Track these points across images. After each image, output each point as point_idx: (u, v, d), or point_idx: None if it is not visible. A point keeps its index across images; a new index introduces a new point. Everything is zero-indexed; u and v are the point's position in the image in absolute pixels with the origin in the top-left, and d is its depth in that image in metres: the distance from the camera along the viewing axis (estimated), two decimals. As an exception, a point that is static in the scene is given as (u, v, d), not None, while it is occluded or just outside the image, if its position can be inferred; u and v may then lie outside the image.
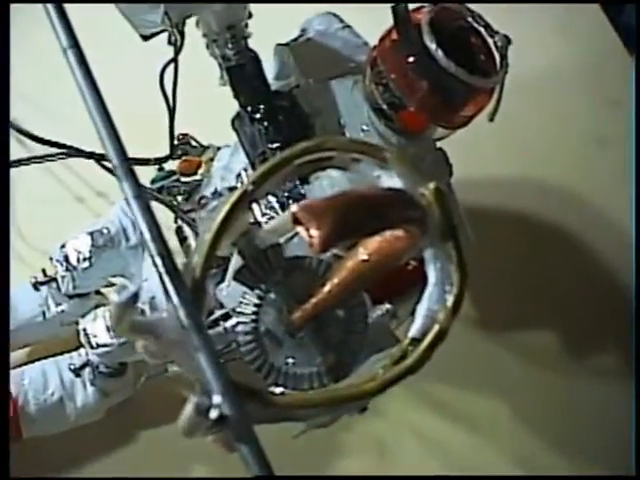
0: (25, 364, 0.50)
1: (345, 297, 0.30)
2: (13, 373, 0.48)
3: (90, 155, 0.52)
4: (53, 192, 0.59)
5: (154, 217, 0.26)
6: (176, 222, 0.51)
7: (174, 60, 0.46)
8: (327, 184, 0.38)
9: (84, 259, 0.47)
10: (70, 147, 0.53)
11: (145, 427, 0.53)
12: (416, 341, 0.26)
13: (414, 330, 0.27)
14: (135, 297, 0.24)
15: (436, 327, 0.26)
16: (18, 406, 0.48)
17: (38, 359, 0.50)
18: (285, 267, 0.33)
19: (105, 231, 0.48)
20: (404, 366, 0.26)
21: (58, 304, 0.51)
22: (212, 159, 0.52)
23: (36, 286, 0.50)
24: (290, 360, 0.33)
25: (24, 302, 0.50)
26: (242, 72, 0.43)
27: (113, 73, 0.55)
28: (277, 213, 0.41)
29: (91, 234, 0.48)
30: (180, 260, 0.47)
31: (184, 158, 0.51)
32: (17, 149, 0.57)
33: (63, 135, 0.53)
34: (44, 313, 0.50)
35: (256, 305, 0.33)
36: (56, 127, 0.56)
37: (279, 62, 0.47)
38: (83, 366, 0.48)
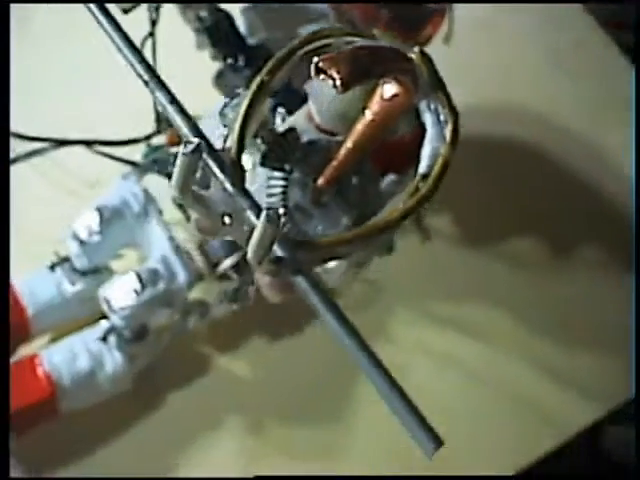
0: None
1: (359, 158, 0.34)
2: (43, 356, 0.50)
3: (81, 142, 0.55)
4: (43, 189, 0.61)
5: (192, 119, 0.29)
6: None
7: (151, 34, 0.49)
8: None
9: (95, 233, 0.50)
10: (57, 140, 0.56)
11: (172, 390, 0.55)
12: (425, 176, 0.30)
13: (422, 168, 0.30)
14: (199, 148, 0.27)
15: (440, 160, 0.30)
16: (53, 381, 0.49)
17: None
18: (303, 147, 0.37)
19: (110, 205, 0.51)
20: (419, 195, 0.30)
21: (73, 283, 0.53)
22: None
23: (53, 267, 0.52)
24: (320, 227, 0.37)
25: (41, 286, 0.52)
26: (218, 30, 0.47)
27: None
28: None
29: (98, 209, 0.51)
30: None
31: (170, 130, 0.54)
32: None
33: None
34: (62, 294, 0.53)
35: (283, 186, 0.36)
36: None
37: (247, 22, 0.50)
38: (109, 331, 0.50)
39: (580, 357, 0.55)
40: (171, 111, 0.30)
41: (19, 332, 0.52)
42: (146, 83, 0.31)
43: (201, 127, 0.31)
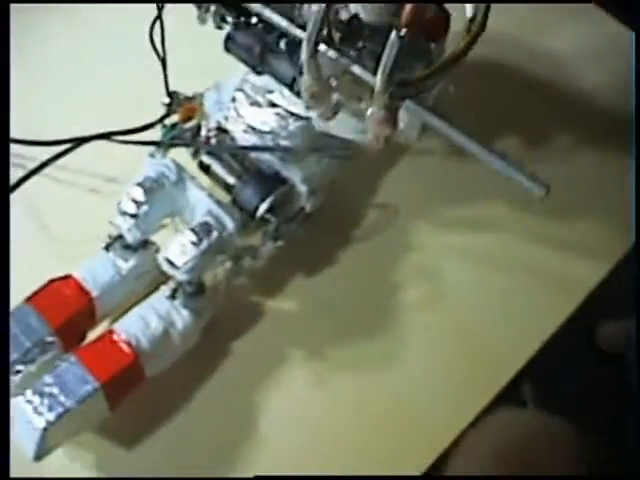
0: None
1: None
2: (118, 328, 0.54)
3: (100, 136, 0.60)
4: (64, 192, 0.65)
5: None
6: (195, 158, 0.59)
7: (159, 17, 0.54)
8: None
9: (143, 203, 0.54)
10: (78, 139, 0.60)
11: (234, 340, 0.59)
12: (472, 19, 0.37)
13: (468, 14, 0.37)
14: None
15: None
16: (134, 347, 0.53)
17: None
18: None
19: (149, 178, 0.55)
20: (474, 32, 0.36)
21: (127, 260, 0.57)
22: (201, 104, 0.60)
23: (107, 248, 0.56)
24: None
25: (99, 269, 0.56)
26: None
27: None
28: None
29: (139, 184, 0.55)
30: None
31: (182, 108, 0.59)
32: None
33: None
34: (119, 273, 0.57)
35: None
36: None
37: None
38: (176, 288, 0.54)
39: (582, 225, 0.61)
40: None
41: (87, 317, 0.56)
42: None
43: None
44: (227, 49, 0.54)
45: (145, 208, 0.53)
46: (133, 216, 0.53)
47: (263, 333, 0.59)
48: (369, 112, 0.43)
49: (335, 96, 0.39)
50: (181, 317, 0.55)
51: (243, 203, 0.55)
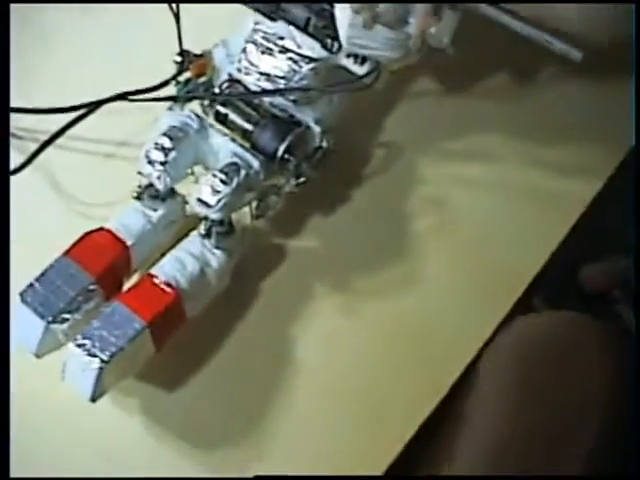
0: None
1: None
2: (156, 271, 0.56)
3: (117, 97, 0.62)
4: (78, 161, 0.67)
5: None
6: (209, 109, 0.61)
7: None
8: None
9: (171, 150, 0.57)
10: (93, 102, 0.62)
11: (261, 281, 0.62)
12: None
13: None
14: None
15: None
16: (174, 287, 0.56)
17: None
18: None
19: (173, 127, 0.58)
20: None
21: (156, 210, 0.59)
22: (211, 60, 0.63)
23: (138, 197, 0.59)
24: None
25: (131, 219, 0.58)
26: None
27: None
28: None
29: (164, 134, 0.58)
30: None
31: (193, 64, 0.62)
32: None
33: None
34: (150, 221, 0.59)
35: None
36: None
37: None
38: (210, 226, 0.57)
39: (572, 148, 0.65)
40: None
41: (124, 265, 0.58)
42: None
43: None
44: (242, 1, 0.57)
45: (173, 154, 0.55)
46: (162, 163, 0.55)
47: (288, 271, 0.62)
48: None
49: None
50: (215, 257, 0.57)
51: (263, 146, 0.58)
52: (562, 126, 0.66)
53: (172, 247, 0.58)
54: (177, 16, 0.58)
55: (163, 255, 0.57)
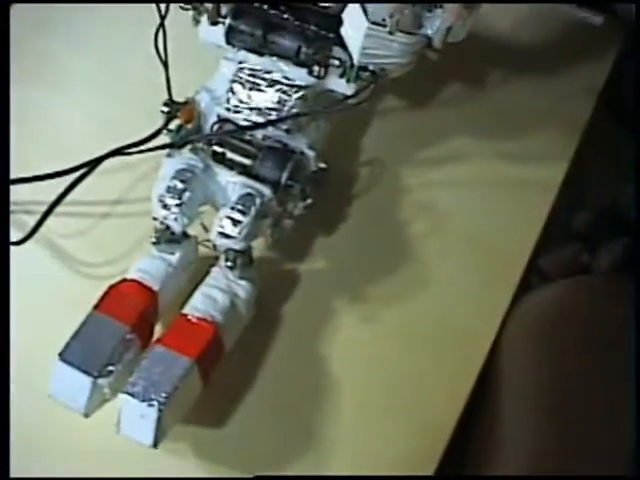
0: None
1: None
2: (188, 310, 0.56)
3: (113, 153, 0.63)
4: (75, 225, 0.67)
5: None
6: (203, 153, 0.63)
7: (162, 25, 0.59)
8: None
9: (184, 190, 0.58)
10: (92, 161, 0.63)
11: (282, 303, 0.64)
12: None
13: None
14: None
15: None
16: (210, 322, 0.56)
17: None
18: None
19: (180, 169, 0.59)
20: None
21: (173, 253, 0.60)
22: (196, 106, 0.65)
23: (157, 242, 0.59)
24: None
25: (152, 265, 0.59)
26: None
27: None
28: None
29: (172, 177, 0.59)
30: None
31: (181, 111, 0.64)
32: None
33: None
34: (170, 264, 0.60)
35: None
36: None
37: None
38: (235, 257, 0.58)
39: (538, 138, 0.71)
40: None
41: (153, 311, 0.58)
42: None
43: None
44: (229, 42, 0.59)
45: (188, 194, 0.57)
46: (178, 205, 0.56)
47: (304, 294, 0.64)
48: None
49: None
50: (241, 287, 0.58)
51: (266, 177, 0.60)
52: (519, 120, 0.71)
53: (193, 289, 0.57)
54: (166, 64, 0.60)
55: (182, 298, 0.58)
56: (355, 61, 0.55)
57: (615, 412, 0.55)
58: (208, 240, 0.61)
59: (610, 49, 0.75)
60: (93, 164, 0.60)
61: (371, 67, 0.57)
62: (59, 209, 0.63)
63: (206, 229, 0.62)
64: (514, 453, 0.57)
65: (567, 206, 0.71)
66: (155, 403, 0.51)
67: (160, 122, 0.62)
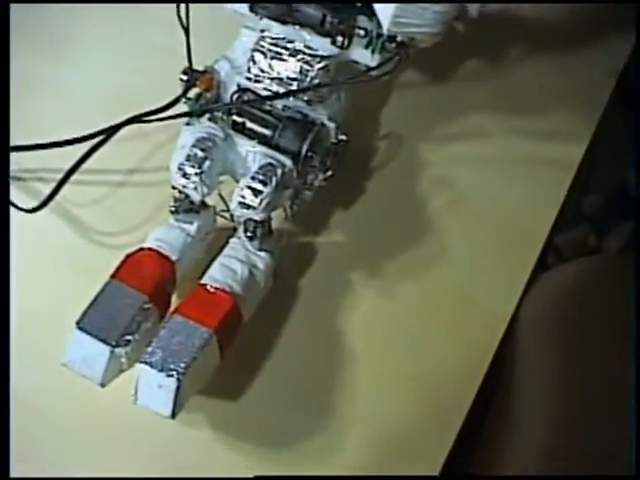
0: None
1: None
2: (207, 281, 0.55)
3: (131, 120, 0.61)
4: (90, 194, 0.66)
5: None
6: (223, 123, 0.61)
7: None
8: None
9: (205, 159, 0.56)
10: (109, 128, 0.61)
11: (298, 279, 0.63)
12: None
13: None
14: None
15: None
16: (229, 293, 0.55)
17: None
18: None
19: (200, 138, 0.58)
20: None
21: (192, 223, 0.59)
22: (216, 75, 0.63)
23: (175, 211, 0.58)
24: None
25: (171, 235, 0.57)
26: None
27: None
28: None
29: (193, 145, 0.57)
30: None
31: (200, 80, 0.62)
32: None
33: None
34: (189, 234, 0.58)
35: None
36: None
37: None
38: (255, 228, 0.57)
39: (556, 116, 0.70)
40: None
41: (171, 281, 0.57)
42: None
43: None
44: (252, 9, 0.58)
45: (208, 163, 0.55)
46: (198, 174, 0.55)
47: (322, 267, 0.63)
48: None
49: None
50: (260, 258, 0.57)
51: (286, 147, 0.58)
52: (539, 98, 0.70)
53: (211, 261, 0.56)
54: (187, 30, 0.58)
55: (200, 269, 0.56)
56: (385, 30, 0.54)
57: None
58: (226, 210, 0.60)
59: (632, 32, 0.74)
60: (110, 131, 0.59)
61: (399, 37, 0.55)
62: (74, 177, 0.62)
63: (224, 200, 0.60)
64: (527, 433, 0.56)
65: (578, 188, 0.70)
66: (174, 373, 0.50)
67: (178, 92, 0.59)
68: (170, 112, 0.61)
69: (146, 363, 0.51)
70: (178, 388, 0.50)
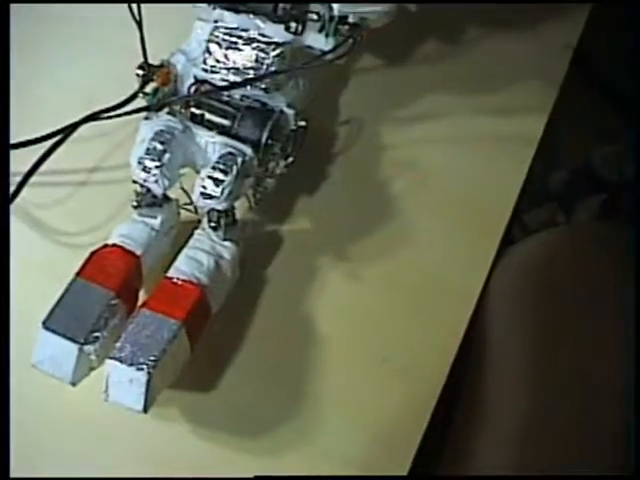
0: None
1: None
2: (173, 273, 0.55)
3: (88, 119, 0.61)
4: (51, 195, 0.65)
5: None
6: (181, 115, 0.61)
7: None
8: None
9: (164, 152, 0.56)
10: (67, 127, 0.61)
11: (268, 268, 0.63)
12: None
13: None
14: None
15: None
16: (195, 284, 0.54)
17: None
18: None
19: (159, 131, 0.57)
20: None
21: (155, 217, 0.58)
22: (172, 68, 0.63)
23: (137, 206, 0.57)
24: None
25: (135, 230, 0.57)
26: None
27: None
28: None
29: (152, 138, 0.57)
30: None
31: (157, 74, 0.62)
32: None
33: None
34: (153, 228, 0.58)
35: None
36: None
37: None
38: (219, 217, 0.57)
39: (516, 90, 0.70)
40: None
41: (137, 276, 0.57)
42: None
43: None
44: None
45: (167, 156, 0.55)
46: (158, 167, 0.55)
47: (287, 254, 0.62)
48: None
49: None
50: (226, 249, 0.57)
51: (246, 137, 0.58)
52: (497, 75, 0.70)
53: (176, 254, 0.56)
54: (140, 24, 0.57)
55: (166, 263, 0.56)
56: (336, 11, 0.54)
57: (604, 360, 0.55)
58: (189, 203, 0.60)
59: (585, 5, 0.74)
60: (68, 130, 0.58)
61: (351, 18, 0.55)
62: (33, 179, 0.61)
63: (187, 193, 0.60)
64: (499, 408, 0.57)
65: (543, 166, 0.70)
66: (144, 367, 0.49)
67: (135, 89, 0.59)
68: (128, 108, 0.60)
69: (115, 359, 0.50)
70: (149, 381, 0.50)
